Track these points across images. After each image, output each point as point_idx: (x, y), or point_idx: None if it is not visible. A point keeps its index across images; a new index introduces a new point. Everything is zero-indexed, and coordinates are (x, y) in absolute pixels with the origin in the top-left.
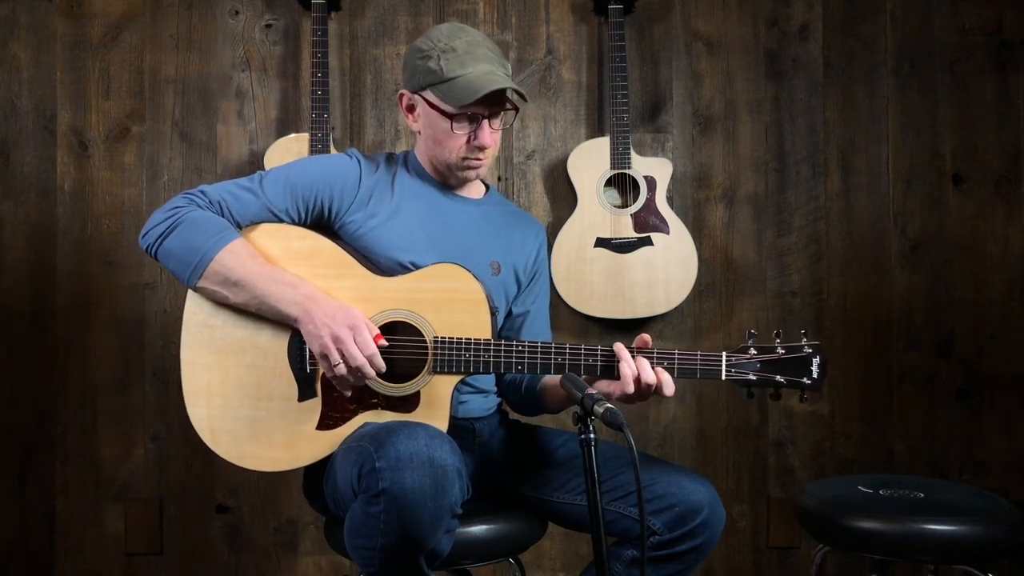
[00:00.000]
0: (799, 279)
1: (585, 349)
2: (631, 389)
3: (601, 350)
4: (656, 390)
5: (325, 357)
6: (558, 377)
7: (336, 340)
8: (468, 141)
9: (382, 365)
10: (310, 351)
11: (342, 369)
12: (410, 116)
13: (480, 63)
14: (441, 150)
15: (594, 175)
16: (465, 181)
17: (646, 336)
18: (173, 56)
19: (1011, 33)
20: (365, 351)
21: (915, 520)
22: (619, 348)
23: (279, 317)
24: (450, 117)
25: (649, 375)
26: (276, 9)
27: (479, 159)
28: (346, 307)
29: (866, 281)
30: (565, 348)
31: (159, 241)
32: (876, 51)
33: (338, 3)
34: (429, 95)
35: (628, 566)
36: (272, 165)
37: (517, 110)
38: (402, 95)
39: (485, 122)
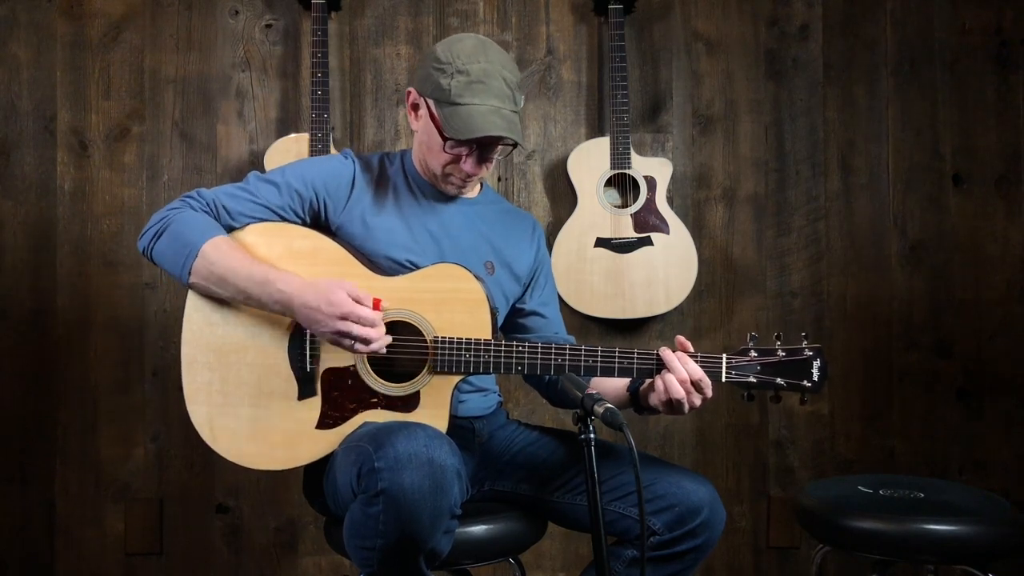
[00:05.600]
0: (799, 279)
1: (586, 349)
2: (679, 394)
3: (602, 351)
4: (699, 389)
5: (338, 344)
6: (601, 379)
7: (340, 335)
8: (457, 161)
9: (383, 345)
10: (311, 349)
11: (362, 348)
12: (413, 114)
13: (489, 97)
14: (431, 159)
15: (594, 175)
16: (448, 193)
17: (685, 341)
18: (173, 56)
19: (1011, 33)
20: (373, 326)
21: (915, 520)
22: (665, 353)
23: (267, 310)
24: (444, 138)
25: (696, 370)
26: (276, 9)
27: (463, 181)
28: (327, 296)
29: (866, 281)
30: (565, 348)
31: (152, 243)
32: (876, 51)
33: (338, 3)
34: (432, 106)
35: (628, 566)
36: (272, 165)
37: (515, 146)
38: (410, 92)
39: (477, 153)
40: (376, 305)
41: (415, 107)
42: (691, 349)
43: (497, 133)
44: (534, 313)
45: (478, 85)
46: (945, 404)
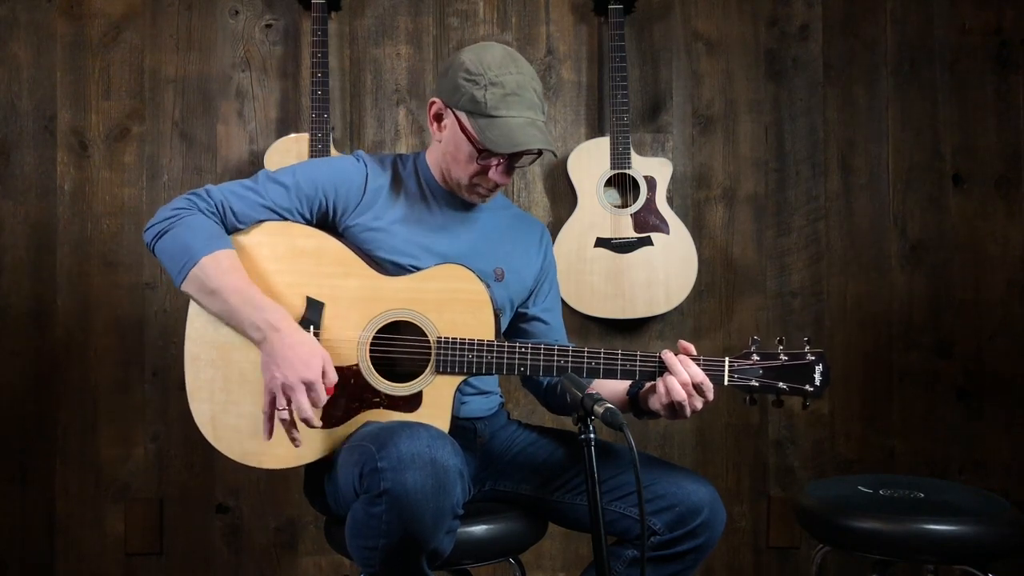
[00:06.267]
0: (799, 279)
1: (588, 351)
2: (681, 396)
3: (605, 353)
4: (700, 391)
5: (272, 396)
6: (603, 381)
7: (287, 388)
8: (485, 171)
9: (318, 423)
10: None
11: (285, 415)
12: (435, 124)
13: (524, 109)
14: (457, 169)
15: (594, 175)
16: (469, 202)
17: (687, 344)
18: (173, 56)
19: (1011, 33)
20: (315, 404)
21: (915, 520)
22: (667, 355)
23: (243, 334)
24: (477, 149)
25: (698, 373)
26: (276, 9)
27: (490, 191)
28: (310, 354)
29: (866, 281)
30: (568, 350)
31: (156, 240)
32: (876, 51)
33: (338, 3)
34: (464, 119)
35: (628, 566)
36: (272, 165)
37: (540, 154)
38: (433, 103)
39: (506, 163)
40: (330, 392)
41: (438, 117)
42: (693, 352)
43: (538, 146)
44: (536, 319)
45: (513, 97)
46: (945, 404)
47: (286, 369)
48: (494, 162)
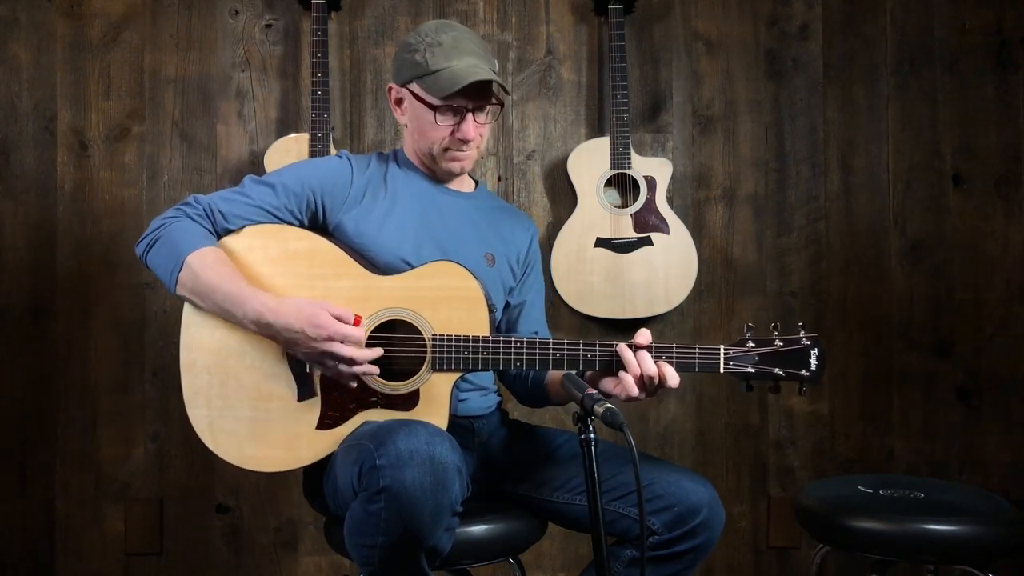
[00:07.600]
0: (799, 279)
1: (583, 345)
2: (635, 392)
3: (600, 346)
4: (660, 383)
5: (321, 365)
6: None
7: (325, 356)
8: (452, 133)
9: (375, 354)
10: None
11: (345, 369)
12: (398, 109)
13: (465, 57)
14: (425, 141)
15: (594, 175)
16: (450, 174)
17: (646, 331)
18: (173, 56)
19: (1011, 33)
20: (358, 343)
21: (915, 520)
22: (622, 349)
23: (246, 330)
24: (434, 109)
25: (651, 368)
26: (276, 9)
27: (462, 152)
28: (311, 314)
29: (866, 281)
30: (563, 344)
31: (147, 251)
32: (876, 51)
33: (338, 3)
34: (415, 87)
35: (628, 566)
36: (272, 165)
37: (502, 105)
38: (390, 89)
39: (469, 115)
40: (357, 322)
41: (398, 101)
42: (644, 341)
43: (481, 78)
44: (518, 304)
45: (452, 51)
46: (945, 404)
47: (308, 343)
48: (456, 119)
